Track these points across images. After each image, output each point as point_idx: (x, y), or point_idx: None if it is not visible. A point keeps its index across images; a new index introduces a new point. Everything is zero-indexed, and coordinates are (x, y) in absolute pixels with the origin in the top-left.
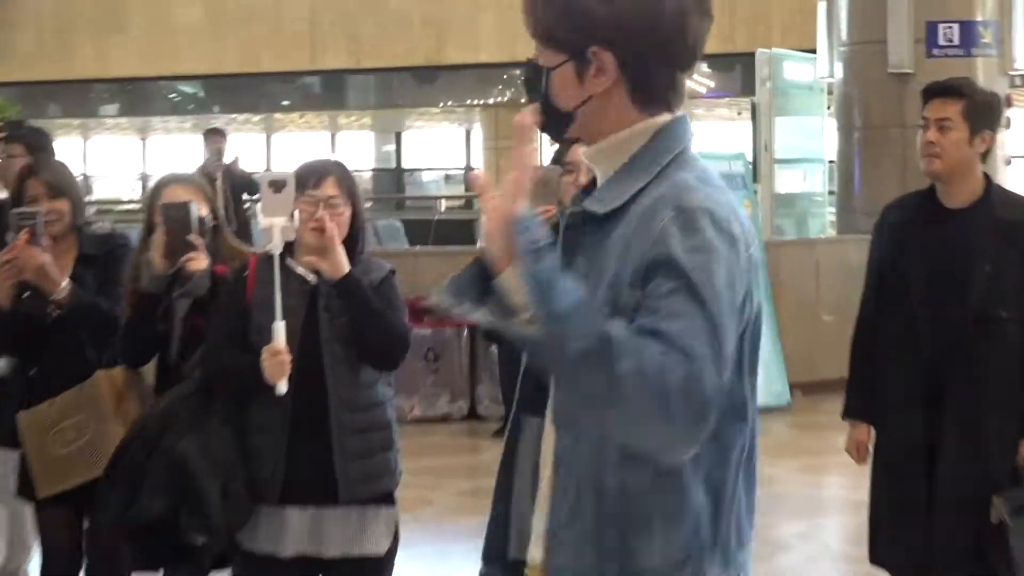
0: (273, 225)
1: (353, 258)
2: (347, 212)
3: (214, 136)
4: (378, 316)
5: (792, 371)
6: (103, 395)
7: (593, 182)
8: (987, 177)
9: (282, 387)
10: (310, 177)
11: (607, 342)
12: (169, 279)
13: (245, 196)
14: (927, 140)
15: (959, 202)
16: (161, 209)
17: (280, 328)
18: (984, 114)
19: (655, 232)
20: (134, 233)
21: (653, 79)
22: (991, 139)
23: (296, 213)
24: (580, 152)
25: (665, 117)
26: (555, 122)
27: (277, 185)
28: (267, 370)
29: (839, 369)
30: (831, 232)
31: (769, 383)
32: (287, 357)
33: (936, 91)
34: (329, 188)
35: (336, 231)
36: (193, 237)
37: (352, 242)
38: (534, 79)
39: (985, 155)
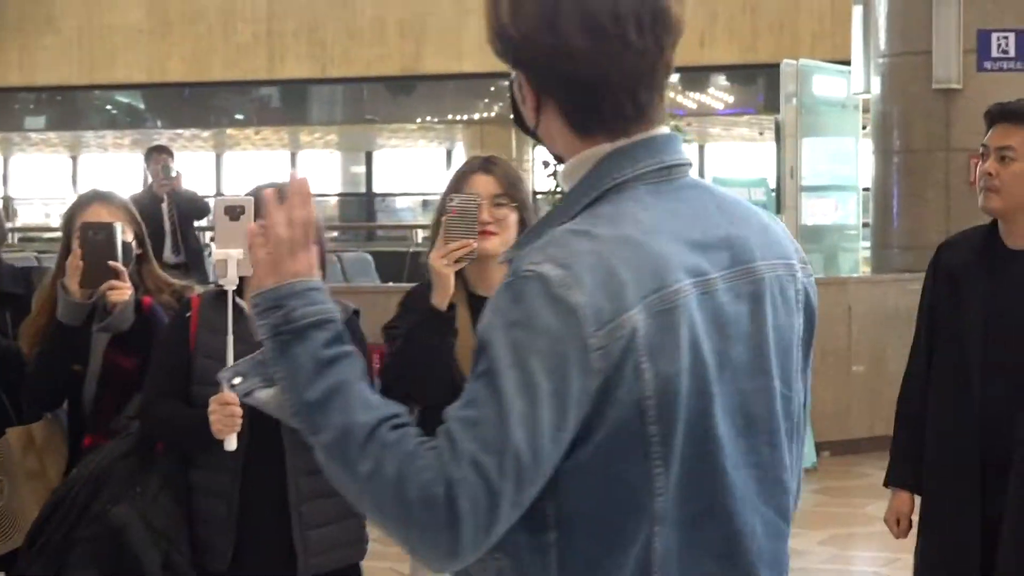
0: (228, 257)
1: None
2: None
3: (159, 154)
4: None
5: (819, 429)
6: (17, 455)
7: None
8: None
9: (231, 443)
10: (262, 204)
11: (347, 440)
12: (88, 310)
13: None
14: (985, 171)
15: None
16: (81, 228)
17: None
18: None
19: (491, 298)
20: None
21: (575, 105)
22: None
23: None
24: (481, 184)
25: (603, 148)
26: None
27: (233, 212)
28: (215, 423)
29: (872, 427)
30: (865, 270)
31: None
32: (239, 409)
33: (999, 115)
34: None
35: None
36: (115, 264)
37: None
38: None
39: None
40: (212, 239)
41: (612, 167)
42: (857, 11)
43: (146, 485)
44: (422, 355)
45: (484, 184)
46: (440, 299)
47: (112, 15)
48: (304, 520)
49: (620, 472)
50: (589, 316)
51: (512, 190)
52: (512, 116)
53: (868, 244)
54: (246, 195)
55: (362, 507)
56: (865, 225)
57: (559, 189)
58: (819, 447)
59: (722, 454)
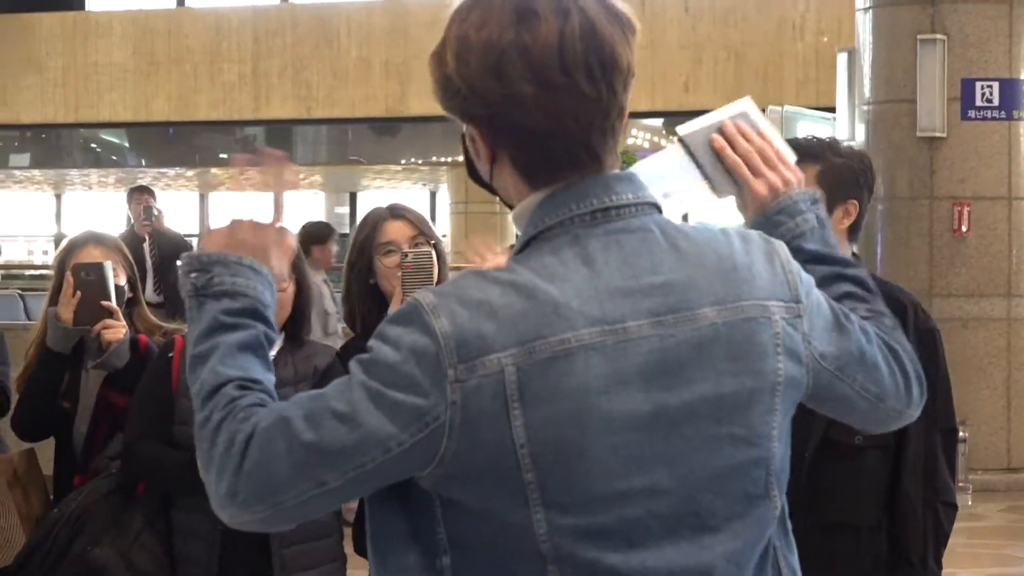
0: None
1: (297, 341)
2: (290, 288)
3: (140, 195)
4: None
5: None
6: (3, 487)
7: None
8: (856, 259)
9: None
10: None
11: (202, 390)
12: (78, 335)
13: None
14: None
15: None
16: (73, 269)
17: None
18: (847, 179)
19: None
20: (43, 303)
21: (529, 155)
22: (857, 210)
23: None
24: (395, 229)
25: (536, 196)
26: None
27: None
28: None
29: None
30: None
31: None
32: None
33: None
34: None
35: None
36: (108, 303)
37: (296, 323)
38: None
39: (852, 230)
40: None
41: (542, 214)
42: (842, 58)
43: (128, 526)
44: None
45: (398, 229)
46: None
47: (98, 54)
48: (285, 565)
49: (502, 514)
50: (451, 346)
51: (425, 229)
52: (467, 169)
53: None
54: None
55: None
56: None
57: None
58: None
59: (628, 507)
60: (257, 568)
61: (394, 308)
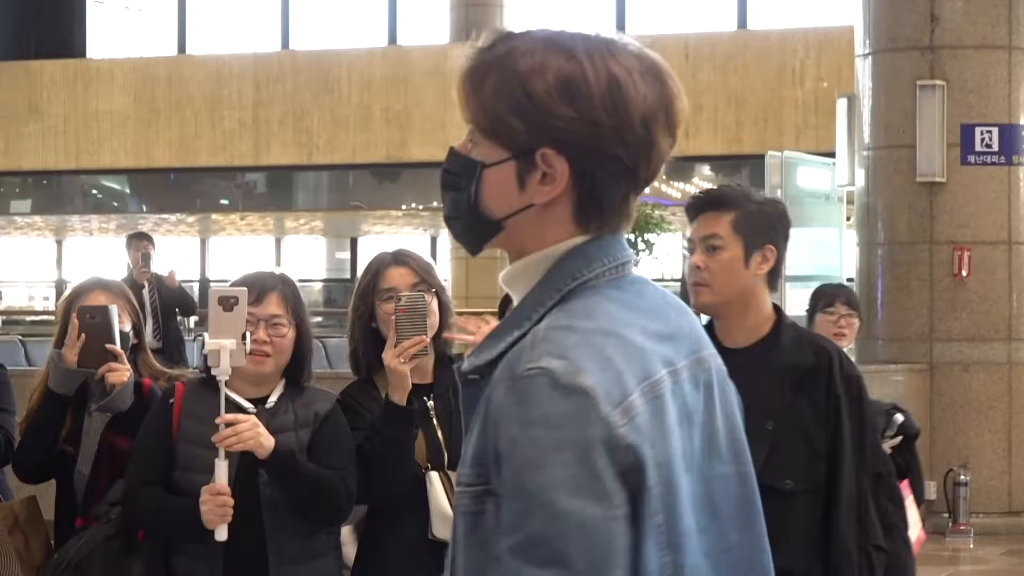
0: (221, 347)
1: (298, 386)
2: (291, 333)
3: (138, 241)
4: (316, 488)
5: None
6: (4, 533)
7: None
8: (777, 309)
9: (222, 533)
10: (249, 293)
11: None
12: (81, 377)
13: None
14: (693, 265)
15: (738, 341)
16: (79, 312)
17: (223, 468)
18: (763, 225)
19: (495, 407)
20: (43, 348)
21: (608, 195)
22: (775, 255)
23: (247, 335)
24: (397, 276)
25: (576, 240)
26: (478, 230)
27: (227, 302)
28: (206, 513)
29: None
30: None
31: None
32: (230, 499)
33: (702, 204)
34: (272, 306)
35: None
36: (113, 346)
37: (297, 369)
38: (459, 174)
39: (772, 276)
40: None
41: (580, 265)
42: (842, 104)
43: (128, 572)
44: (389, 451)
45: (400, 276)
46: (399, 395)
47: (99, 101)
48: None
49: (646, 563)
50: (602, 396)
51: (428, 277)
52: (470, 201)
53: None
54: (233, 284)
55: None
56: None
57: None
58: None
59: (692, 544)
60: None
61: (388, 351)
